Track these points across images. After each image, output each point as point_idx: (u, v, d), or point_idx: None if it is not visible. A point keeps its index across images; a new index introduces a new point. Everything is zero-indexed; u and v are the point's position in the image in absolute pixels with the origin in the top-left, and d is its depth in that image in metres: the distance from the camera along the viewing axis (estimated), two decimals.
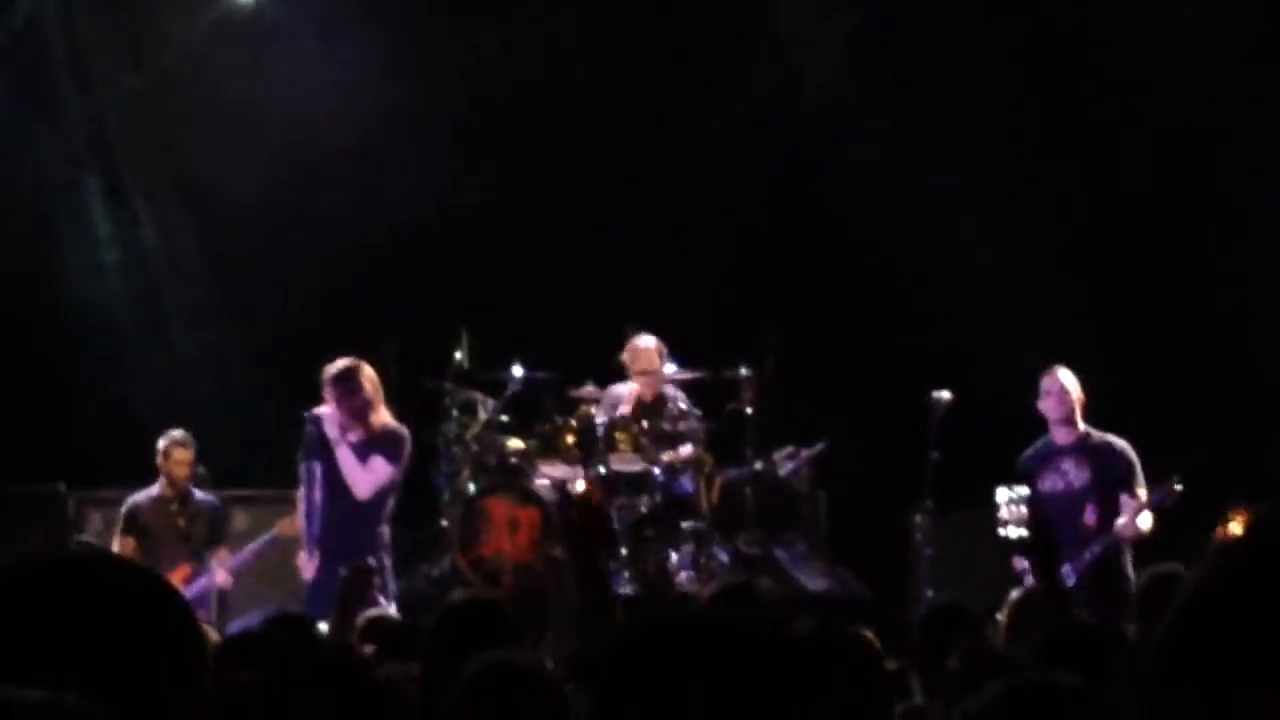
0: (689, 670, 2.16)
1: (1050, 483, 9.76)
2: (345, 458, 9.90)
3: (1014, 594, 7.47)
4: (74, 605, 2.02)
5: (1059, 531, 9.34)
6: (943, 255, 12.94)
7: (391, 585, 9.93)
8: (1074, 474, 9.85)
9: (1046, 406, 9.91)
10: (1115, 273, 12.70)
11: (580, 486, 11.14)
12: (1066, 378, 9.90)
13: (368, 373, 10.00)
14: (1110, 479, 9.78)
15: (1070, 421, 9.89)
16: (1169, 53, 12.41)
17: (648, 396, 11.68)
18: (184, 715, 2.06)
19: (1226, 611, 1.72)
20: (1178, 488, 9.52)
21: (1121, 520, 9.59)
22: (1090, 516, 9.71)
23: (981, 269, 12.99)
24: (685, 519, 11.33)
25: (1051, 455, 9.93)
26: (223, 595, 11.10)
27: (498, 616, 4.92)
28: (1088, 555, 9.48)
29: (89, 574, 2.08)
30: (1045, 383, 9.93)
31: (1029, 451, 10.03)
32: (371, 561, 8.97)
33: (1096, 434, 9.93)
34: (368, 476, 9.89)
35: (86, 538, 10.74)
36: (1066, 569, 9.16)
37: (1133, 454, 9.83)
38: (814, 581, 11.34)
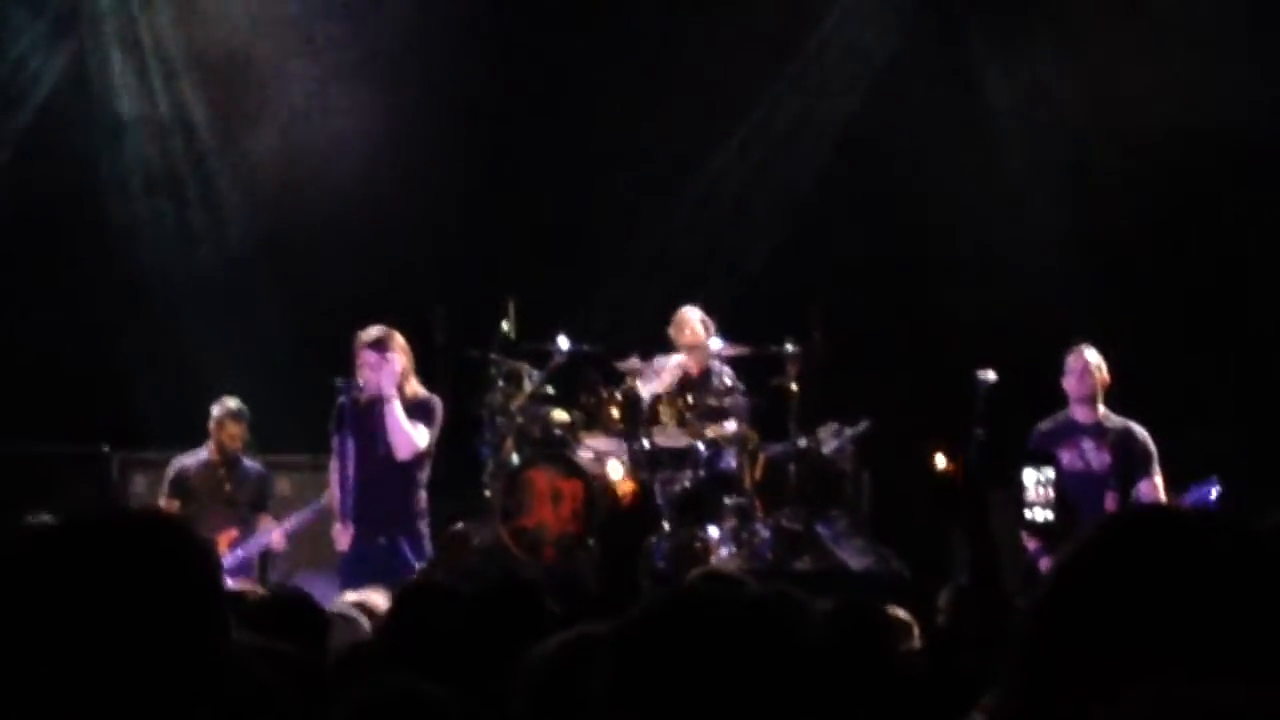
0: (704, 646, 2.15)
1: (1069, 460, 9.68)
2: (391, 415, 9.88)
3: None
4: (105, 563, 2.09)
5: (1079, 512, 9.25)
6: (990, 234, 12.90)
7: (429, 553, 9.95)
8: (1094, 455, 9.81)
9: (1069, 384, 9.90)
10: (1163, 253, 12.62)
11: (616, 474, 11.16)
12: (1092, 357, 9.87)
13: (400, 341, 10.04)
14: (1130, 464, 9.74)
15: (1091, 401, 9.86)
16: None
17: (693, 371, 11.66)
18: (207, 669, 2.11)
19: (1104, 590, 1.71)
20: (1218, 489, 9.38)
21: None
22: (1111, 503, 9.67)
23: (1029, 248, 12.95)
24: (728, 494, 11.31)
25: (1071, 432, 9.88)
26: (266, 562, 11.16)
27: (536, 601, 4.85)
28: None
29: (122, 533, 2.14)
30: (1070, 360, 9.91)
31: (1044, 425, 9.98)
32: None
33: (1116, 418, 9.90)
34: (409, 437, 9.89)
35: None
36: None
37: (1151, 441, 9.79)
38: (855, 559, 11.30)
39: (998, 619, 4.61)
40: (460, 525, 10.49)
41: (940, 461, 8.27)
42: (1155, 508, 1.69)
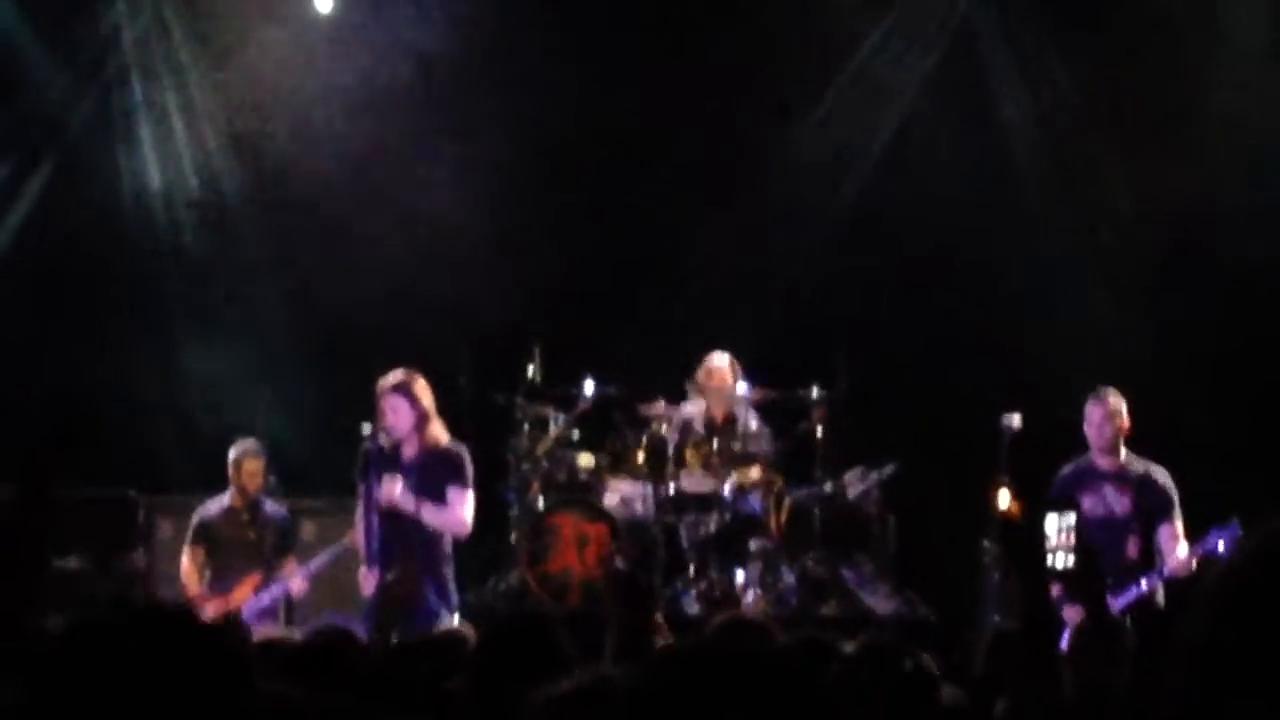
0: (704, 705, 2.13)
1: (1090, 505, 9.62)
2: (429, 513, 9.69)
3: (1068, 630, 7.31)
4: (132, 661, 2.14)
5: (1100, 558, 9.15)
6: (1015, 278, 12.89)
7: (454, 598, 9.87)
8: (1115, 500, 9.73)
9: (1089, 431, 9.83)
10: (1185, 299, 12.59)
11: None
12: (1113, 403, 9.80)
13: (422, 383, 9.94)
14: (1151, 510, 9.67)
15: (1113, 448, 9.79)
16: None
17: (719, 415, 11.65)
18: None
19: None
20: (1239, 533, 9.29)
21: (1177, 559, 9.42)
22: (1133, 548, 9.59)
23: (1055, 293, 12.94)
24: (753, 538, 11.29)
25: (1092, 478, 9.82)
26: (290, 606, 11.14)
27: (548, 636, 4.83)
28: (1135, 590, 9.34)
29: (147, 630, 2.19)
30: (1090, 407, 9.84)
31: (1066, 470, 9.93)
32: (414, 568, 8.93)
33: (1138, 462, 9.82)
34: (458, 515, 9.71)
35: None
36: (1109, 599, 9.02)
37: (1173, 486, 9.72)
38: (881, 604, 11.27)
39: (1046, 667, 4.57)
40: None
41: (1003, 500, 8.24)
42: None
